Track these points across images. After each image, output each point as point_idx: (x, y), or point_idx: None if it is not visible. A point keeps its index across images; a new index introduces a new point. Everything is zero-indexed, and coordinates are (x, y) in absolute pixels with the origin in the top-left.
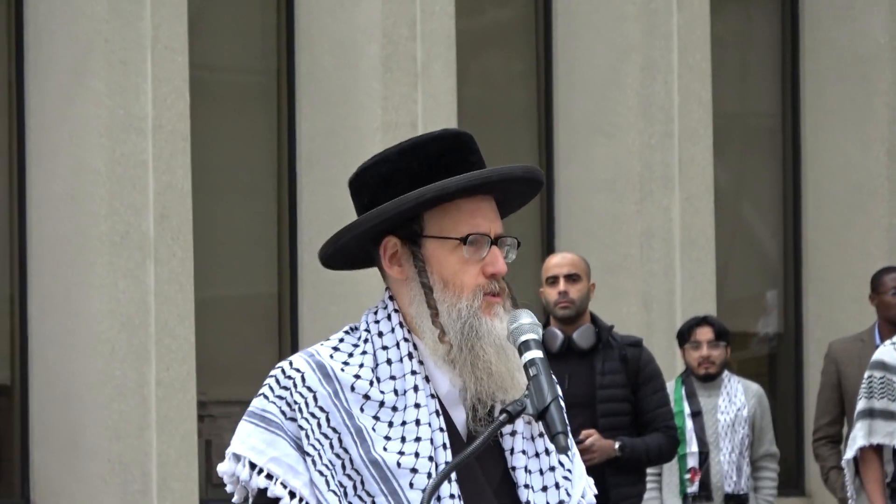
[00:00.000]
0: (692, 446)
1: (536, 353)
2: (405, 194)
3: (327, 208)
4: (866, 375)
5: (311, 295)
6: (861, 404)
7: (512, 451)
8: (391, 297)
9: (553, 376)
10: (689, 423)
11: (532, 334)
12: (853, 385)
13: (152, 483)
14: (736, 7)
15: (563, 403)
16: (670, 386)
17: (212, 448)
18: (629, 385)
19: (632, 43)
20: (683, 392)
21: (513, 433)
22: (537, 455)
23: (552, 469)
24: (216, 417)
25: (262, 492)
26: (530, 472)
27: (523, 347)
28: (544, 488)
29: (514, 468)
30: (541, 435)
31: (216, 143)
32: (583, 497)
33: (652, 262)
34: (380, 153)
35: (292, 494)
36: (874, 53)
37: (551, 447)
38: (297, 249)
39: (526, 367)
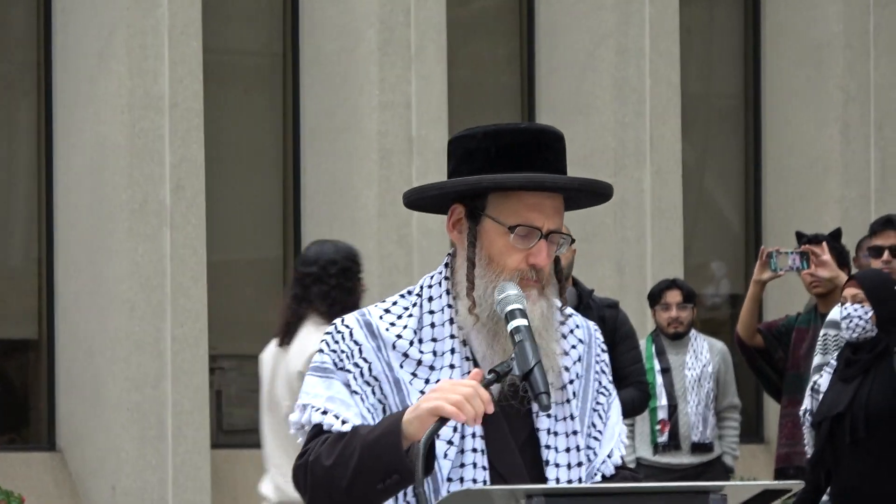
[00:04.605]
0: (662, 400)
1: (521, 322)
2: (474, 176)
3: (328, 180)
4: (822, 333)
5: None
6: (817, 360)
7: (538, 413)
8: (446, 265)
9: (536, 343)
10: (659, 379)
11: (517, 304)
12: None
13: (168, 430)
14: None
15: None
16: (642, 344)
17: (222, 398)
18: (606, 344)
19: (607, 30)
20: (654, 350)
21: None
22: (564, 419)
23: (575, 433)
24: (226, 370)
25: (318, 426)
26: (556, 434)
27: (509, 316)
28: (567, 450)
29: (538, 429)
30: (567, 401)
31: (227, 120)
32: (609, 457)
33: (625, 229)
34: (471, 128)
35: (344, 423)
36: (829, 40)
37: (577, 413)
38: (301, 217)
39: (512, 333)
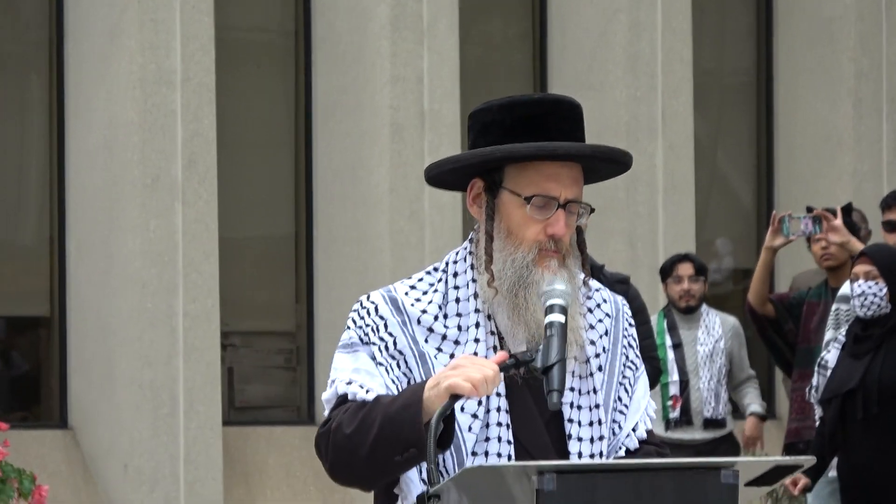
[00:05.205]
0: (673, 375)
1: (558, 318)
2: (485, 147)
3: (340, 156)
4: (833, 308)
5: (325, 236)
6: (829, 334)
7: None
8: (471, 240)
9: (566, 342)
10: (671, 354)
11: (560, 300)
12: None
13: (180, 407)
14: None
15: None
16: (653, 319)
17: (234, 374)
18: None
19: (619, 5)
20: (665, 325)
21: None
22: (588, 393)
23: (597, 406)
24: (238, 346)
25: (343, 396)
26: (580, 408)
27: (548, 310)
28: (590, 423)
29: (562, 403)
30: (591, 375)
31: (240, 96)
32: (634, 430)
33: (637, 204)
34: (488, 102)
35: (368, 392)
36: (841, 15)
37: (601, 387)
38: (313, 194)
39: (546, 326)
